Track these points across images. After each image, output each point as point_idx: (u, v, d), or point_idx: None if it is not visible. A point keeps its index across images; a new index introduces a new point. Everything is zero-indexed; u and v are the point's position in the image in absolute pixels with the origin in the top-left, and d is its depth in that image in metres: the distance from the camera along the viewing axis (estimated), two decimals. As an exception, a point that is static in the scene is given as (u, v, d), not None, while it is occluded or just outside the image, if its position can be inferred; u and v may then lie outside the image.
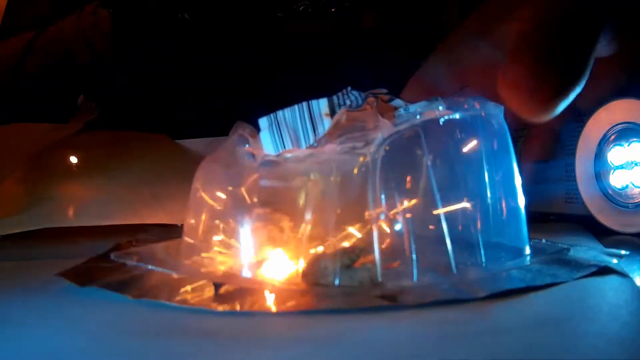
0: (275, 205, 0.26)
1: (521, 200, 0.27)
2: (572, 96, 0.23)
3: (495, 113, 0.26)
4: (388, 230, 0.24)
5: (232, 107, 0.60)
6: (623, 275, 0.25)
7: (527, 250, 0.27)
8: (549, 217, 0.44)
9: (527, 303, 0.22)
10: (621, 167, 0.37)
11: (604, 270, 0.25)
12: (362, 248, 0.24)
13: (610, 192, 0.38)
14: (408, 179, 0.25)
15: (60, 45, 0.69)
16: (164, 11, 0.66)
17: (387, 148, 0.24)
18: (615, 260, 0.26)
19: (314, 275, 0.23)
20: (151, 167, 0.48)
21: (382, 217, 0.23)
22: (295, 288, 0.23)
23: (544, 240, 0.30)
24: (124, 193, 0.44)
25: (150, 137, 0.55)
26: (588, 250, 0.29)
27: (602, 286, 0.24)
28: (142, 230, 0.40)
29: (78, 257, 0.29)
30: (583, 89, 0.24)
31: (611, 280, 0.24)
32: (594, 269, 0.25)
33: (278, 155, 0.26)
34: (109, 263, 0.28)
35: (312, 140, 0.26)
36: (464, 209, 0.25)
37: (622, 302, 0.22)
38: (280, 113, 0.27)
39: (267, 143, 0.27)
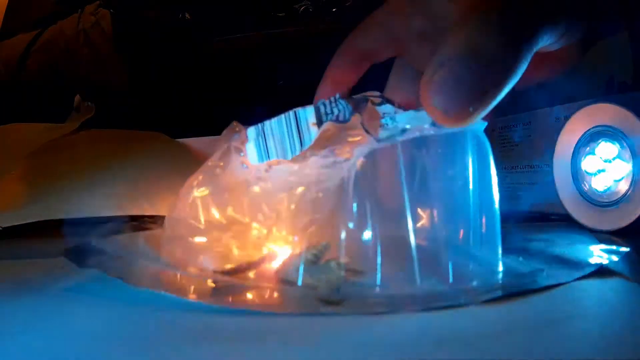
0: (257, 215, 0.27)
1: (497, 217, 0.27)
2: (483, 114, 0.24)
3: (478, 128, 0.26)
4: (357, 238, 0.25)
5: (233, 107, 0.60)
6: (623, 275, 0.25)
7: (500, 267, 0.26)
8: (549, 217, 0.44)
9: (527, 303, 0.22)
10: (600, 171, 0.37)
11: (604, 271, 0.25)
12: (327, 245, 0.25)
13: (588, 192, 0.38)
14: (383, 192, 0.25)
15: (61, 45, 0.69)
16: (165, 11, 0.66)
17: (362, 163, 0.25)
18: (615, 258, 0.26)
19: (283, 272, 0.25)
20: (149, 162, 0.49)
21: (351, 226, 0.24)
22: (260, 284, 0.24)
23: (520, 258, 0.29)
24: (123, 186, 0.45)
25: (147, 135, 0.55)
26: (587, 250, 0.29)
27: (602, 286, 0.24)
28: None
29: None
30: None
31: (611, 280, 0.24)
32: (593, 269, 0.25)
33: (268, 168, 0.27)
34: (111, 250, 0.28)
35: (298, 151, 0.26)
36: (437, 224, 0.25)
37: (622, 303, 0.22)
38: (267, 123, 0.27)
39: (252, 154, 0.27)
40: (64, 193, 0.43)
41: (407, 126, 0.25)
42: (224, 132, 0.29)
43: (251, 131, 0.27)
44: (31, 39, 0.70)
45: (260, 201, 0.27)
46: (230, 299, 0.22)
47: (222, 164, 0.28)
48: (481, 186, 0.26)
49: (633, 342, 0.18)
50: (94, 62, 0.68)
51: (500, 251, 0.26)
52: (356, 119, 0.26)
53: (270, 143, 0.27)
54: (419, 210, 0.25)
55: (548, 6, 0.26)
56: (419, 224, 0.25)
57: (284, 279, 0.24)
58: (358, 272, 0.25)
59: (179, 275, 0.25)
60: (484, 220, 0.26)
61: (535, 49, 0.25)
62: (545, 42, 0.26)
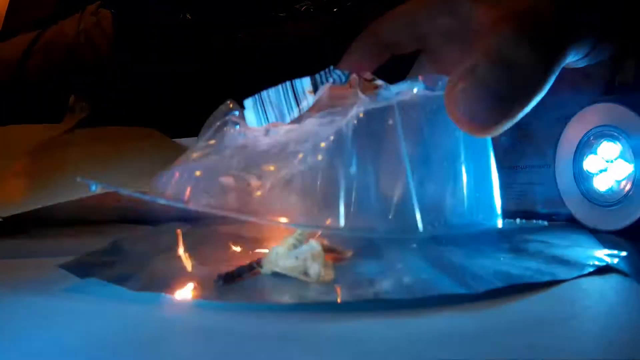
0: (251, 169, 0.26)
1: (494, 173, 0.27)
2: (508, 126, 0.24)
3: None
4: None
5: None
6: (623, 275, 0.25)
7: (499, 224, 0.27)
8: (549, 217, 0.44)
9: (527, 303, 0.22)
10: (602, 171, 0.37)
11: (604, 270, 0.25)
12: (304, 233, 0.25)
13: (590, 192, 0.38)
14: (381, 149, 0.25)
15: (62, 45, 0.70)
16: (166, 11, 0.66)
17: (361, 116, 0.25)
18: (615, 260, 0.26)
19: (268, 261, 0.25)
20: (144, 159, 0.49)
21: (352, 170, 0.24)
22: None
23: (517, 220, 0.30)
24: (119, 182, 0.45)
25: (142, 132, 0.56)
26: (587, 250, 0.29)
27: (602, 286, 0.24)
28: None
29: (78, 253, 0.29)
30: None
31: (611, 280, 0.24)
32: (592, 268, 0.25)
33: (266, 131, 0.27)
34: (110, 257, 0.28)
35: (296, 115, 0.27)
36: (435, 177, 0.26)
37: (622, 302, 0.22)
38: (264, 92, 0.28)
39: (251, 119, 0.28)
40: (62, 190, 0.43)
41: (402, 89, 0.26)
42: (218, 110, 0.29)
43: (248, 102, 0.28)
44: (32, 39, 0.70)
45: (258, 159, 0.27)
46: (229, 296, 0.22)
47: (213, 141, 0.28)
48: (474, 150, 0.26)
49: (633, 342, 0.18)
50: (94, 62, 0.68)
51: (499, 217, 0.27)
52: (354, 80, 0.26)
53: (269, 109, 0.27)
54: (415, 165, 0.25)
55: (576, 24, 0.26)
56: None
57: (269, 267, 0.25)
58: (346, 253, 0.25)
59: (179, 277, 0.25)
60: (476, 177, 0.27)
61: (563, 65, 0.25)
62: (571, 59, 0.26)
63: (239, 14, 0.65)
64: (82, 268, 0.26)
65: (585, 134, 0.39)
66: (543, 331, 0.19)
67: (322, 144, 0.25)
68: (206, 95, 0.65)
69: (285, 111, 0.27)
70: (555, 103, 0.44)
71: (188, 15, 0.66)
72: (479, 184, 0.27)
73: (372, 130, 0.25)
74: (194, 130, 0.57)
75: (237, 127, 0.28)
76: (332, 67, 0.27)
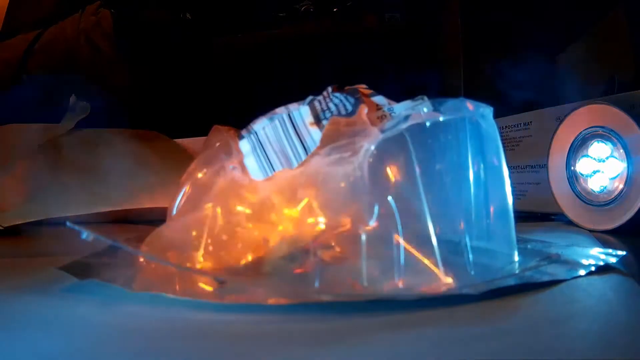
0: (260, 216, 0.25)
1: (510, 204, 0.25)
2: None
3: (485, 114, 0.25)
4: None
5: (232, 107, 0.60)
6: (623, 275, 0.25)
7: (516, 257, 0.26)
8: (549, 217, 0.44)
9: (527, 303, 0.22)
10: (596, 172, 0.38)
11: (603, 270, 0.25)
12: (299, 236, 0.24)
13: (584, 193, 0.38)
14: (395, 184, 0.23)
15: (62, 45, 0.70)
16: (165, 11, 0.66)
17: (372, 158, 0.23)
18: (614, 260, 0.26)
19: (269, 261, 0.24)
20: (146, 161, 0.49)
21: (372, 223, 0.22)
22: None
23: (529, 246, 0.29)
24: (121, 183, 0.45)
25: (144, 134, 0.56)
26: (587, 250, 0.29)
27: (602, 286, 0.24)
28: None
29: (77, 254, 0.29)
30: None
31: (611, 280, 0.24)
32: (592, 269, 0.25)
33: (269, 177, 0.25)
34: (110, 258, 0.28)
35: (303, 157, 0.24)
36: (449, 215, 0.24)
37: (622, 302, 0.22)
38: (261, 132, 0.24)
39: (253, 169, 0.24)
40: (64, 192, 0.43)
41: (409, 113, 0.23)
42: (211, 141, 0.26)
43: (244, 144, 0.25)
44: (32, 39, 0.70)
45: (263, 209, 0.25)
46: (229, 296, 0.22)
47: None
48: (486, 175, 0.25)
49: (633, 342, 0.18)
50: (94, 62, 0.68)
51: (514, 236, 0.25)
52: (362, 109, 0.24)
53: (270, 153, 0.24)
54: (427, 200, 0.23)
55: None
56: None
57: (273, 268, 0.24)
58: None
59: (178, 277, 0.25)
60: (491, 210, 0.25)
61: None
62: None
63: (238, 14, 0.65)
64: (81, 269, 0.26)
65: (577, 136, 0.39)
66: (543, 331, 0.19)
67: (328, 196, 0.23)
68: (206, 95, 0.65)
69: (290, 153, 0.24)
70: (552, 102, 0.44)
71: (188, 15, 0.66)
72: (494, 215, 0.25)
73: (385, 166, 0.23)
74: (194, 130, 0.57)
75: (236, 170, 0.25)
76: (330, 89, 0.25)
